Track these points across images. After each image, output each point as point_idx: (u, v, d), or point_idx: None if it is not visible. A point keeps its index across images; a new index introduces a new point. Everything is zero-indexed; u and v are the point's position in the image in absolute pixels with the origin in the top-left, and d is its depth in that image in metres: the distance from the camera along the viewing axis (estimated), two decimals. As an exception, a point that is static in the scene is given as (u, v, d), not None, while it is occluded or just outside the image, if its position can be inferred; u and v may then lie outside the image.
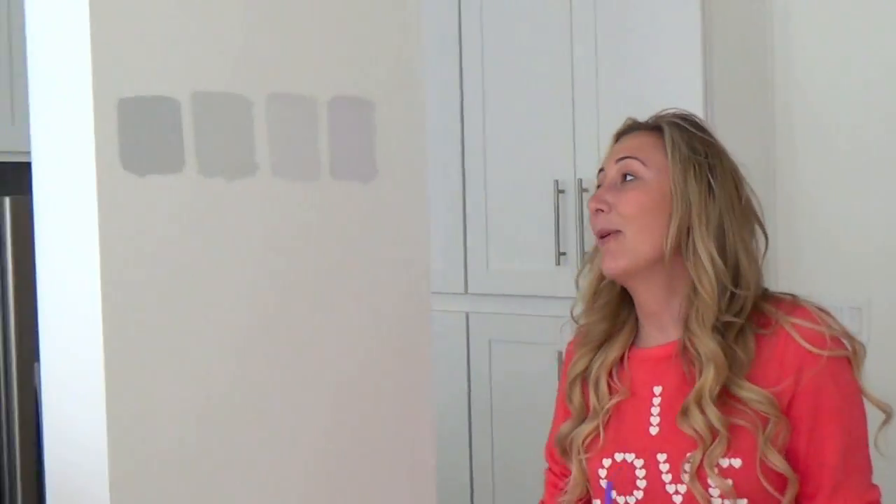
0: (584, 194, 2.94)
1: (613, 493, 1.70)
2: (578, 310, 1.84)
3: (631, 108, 1.91)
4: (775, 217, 2.97)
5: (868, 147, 2.87)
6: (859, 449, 1.66)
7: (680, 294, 1.70)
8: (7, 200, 2.81)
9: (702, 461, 1.61)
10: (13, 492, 2.84)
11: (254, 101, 1.78)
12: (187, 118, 1.70)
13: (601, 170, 1.79)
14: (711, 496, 1.62)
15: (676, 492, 1.65)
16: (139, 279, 1.67)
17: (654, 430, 1.69)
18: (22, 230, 2.77)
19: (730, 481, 1.60)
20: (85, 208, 1.64)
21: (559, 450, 1.82)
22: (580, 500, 1.80)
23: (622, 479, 1.70)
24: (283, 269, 1.83)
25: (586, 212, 1.79)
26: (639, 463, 1.69)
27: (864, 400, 1.69)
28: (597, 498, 1.75)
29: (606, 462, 1.73)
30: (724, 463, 1.61)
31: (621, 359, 1.77)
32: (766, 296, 1.71)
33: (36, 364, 1.84)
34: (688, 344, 1.66)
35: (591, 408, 1.77)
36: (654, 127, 1.77)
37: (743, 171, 1.78)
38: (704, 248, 1.66)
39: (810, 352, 1.62)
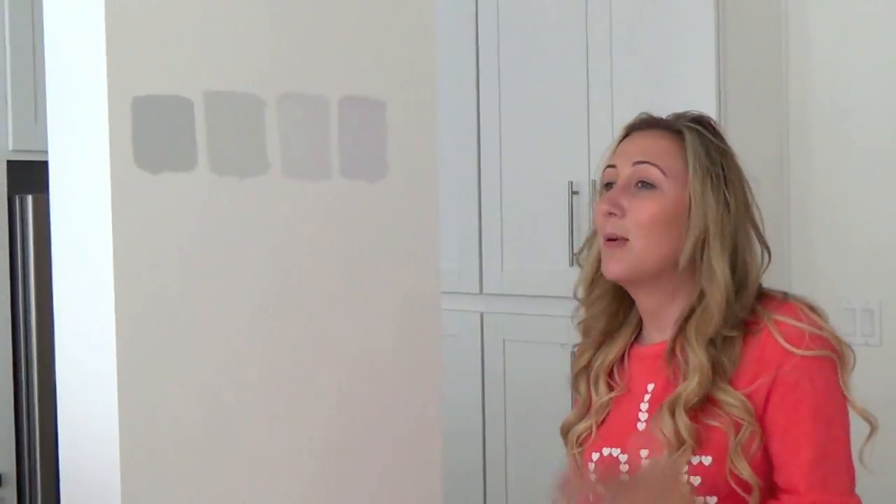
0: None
1: None
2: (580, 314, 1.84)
3: (645, 110, 1.85)
4: (789, 218, 2.97)
5: (883, 148, 2.86)
6: (837, 452, 1.61)
7: (681, 300, 1.69)
8: (29, 199, 2.84)
9: None
10: (33, 487, 2.87)
11: (266, 100, 1.81)
12: (200, 117, 1.73)
13: (611, 166, 1.74)
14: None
15: None
16: (152, 275, 1.70)
17: (640, 426, 1.70)
18: (44, 228, 2.79)
19: (697, 479, 1.59)
20: (99, 205, 1.67)
21: (562, 438, 1.82)
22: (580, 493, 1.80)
23: (608, 473, 1.70)
24: (294, 266, 1.85)
25: (596, 206, 1.73)
26: (623, 458, 1.69)
27: (851, 411, 1.65)
28: (589, 491, 1.76)
29: (595, 456, 1.73)
30: (695, 460, 1.60)
31: (623, 356, 1.76)
32: (758, 294, 1.68)
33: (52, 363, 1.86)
34: (676, 349, 1.66)
35: (591, 404, 1.77)
36: (673, 130, 1.72)
37: (749, 176, 1.75)
38: (719, 263, 1.64)
39: (787, 349, 1.60)
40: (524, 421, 3.25)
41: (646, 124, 1.76)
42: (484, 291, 3.31)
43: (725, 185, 1.67)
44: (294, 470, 1.86)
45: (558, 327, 3.13)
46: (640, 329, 1.78)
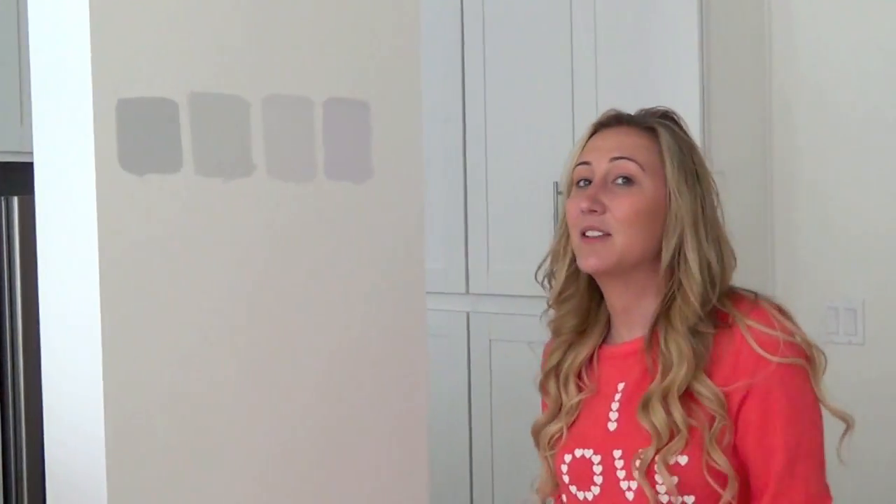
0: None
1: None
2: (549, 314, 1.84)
3: (629, 111, 1.84)
4: (773, 217, 2.99)
5: (868, 148, 2.88)
6: (809, 458, 1.62)
7: (651, 297, 1.70)
8: (15, 200, 2.84)
9: (654, 458, 1.61)
10: (19, 489, 2.87)
11: (250, 102, 1.81)
12: (185, 119, 1.73)
13: (585, 163, 1.73)
14: (658, 492, 1.61)
15: (629, 488, 1.65)
16: (137, 277, 1.70)
17: (612, 426, 1.69)
18: (29, 229, 2.79)
19: (675, 479, 1.60)
20: (84, 207, 1.67)
21: (533, 440, 1.83)
22: (554, 495, 1.81)
23: (580, 474, 1.70)
24: (279, 268, 1.86)
25: (568, 204, 1.74)
26: (596, 459, 1.69)
27: (825, 411, 1.66)
28: (563, 493, 1.76)
29: (567, 458, 1.73)
30: (671, 460, 1.61)
31: (592, 357, 1.76)
32: (728, 291, 1.69)
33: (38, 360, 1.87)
34: (660, 340, 1.66)
35: (562, 405, 1.77)
36: (645, 126, 1.72)
37: (732, 163, 1.76)
38: (695, 256, 1.65)
39: (762, 356, 1.60)
40: (510, 420, 3.26)
41: (615, 121, 1.76)
42: (470, 291, 3.32)
43: (697, 179, 1.69)
44: (280, 470, 1.87)
45: (544, 327, 3.15)
46: (609, 329, 1.78)
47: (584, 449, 1.71)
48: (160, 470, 1.73)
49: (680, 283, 1.66)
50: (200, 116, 1.75)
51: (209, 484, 1.79)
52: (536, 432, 1.81)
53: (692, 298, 1.64)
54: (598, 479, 1.68)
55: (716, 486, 1.60)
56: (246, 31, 1.81)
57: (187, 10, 1.74)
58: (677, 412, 1.61)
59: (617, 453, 1.67)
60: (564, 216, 1.76)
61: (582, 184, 1.73)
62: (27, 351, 2.83)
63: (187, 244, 1.75)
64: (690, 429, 1.61)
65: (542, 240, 3.12)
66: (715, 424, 1.60)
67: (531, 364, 3.14)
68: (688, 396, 1.62)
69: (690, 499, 1.61)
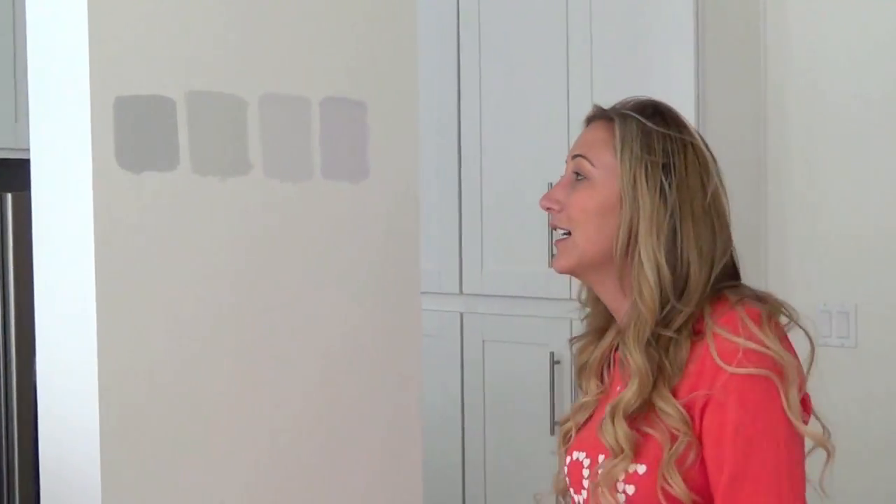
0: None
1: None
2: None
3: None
4: (766, 220, 3.00)
5: (861, 152, 2.89)
6: (761, 478, 1.49)
7: (631, 296, 1.62)
8: (9, 196, 2.84)
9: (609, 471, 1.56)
10: (11, 487, 2.87)
11: (248, 101, 1.81)
12: (182, 117, 1.74)
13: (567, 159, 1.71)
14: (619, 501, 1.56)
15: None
16: (133, 274, 1.70)
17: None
18: (23, 226, 2.80)
19: (632, 487, 1.54)
20: (81, 204, 1.68)
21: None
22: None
23: (574, 477, 1.67)
24: (275, 267, 1.86)
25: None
26: (586, 462, 1.65)
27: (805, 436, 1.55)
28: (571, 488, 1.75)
29: (568, 459, 1.70)
30: (631, 468, 1.54)
31: (610, 358, 1.72)
32: (717, 294, 1.59)
33: (35, 359, 1.87)
34: (622, 351, 1.61)
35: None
36: (608, 118, 1.66)
37: (726, 164, 1.67)
38: (649, 257, 1.57)
39: (719, 365, 1.51)
40: (504, 421, 3.26)
41: (594, 115, 1.71)
42: (464, 292, 3.32)
43: (665, 173, 1.59)
44: (274, 468, 1.87)
45: (538, 328, 3.17)
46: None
47: (579, 451, 1.68)
48: (154, 467, 1.73)
49: (639, 287, 1.58)
50: (197, 115, 1.75)
51: (203, 482, 1.79)
52: (561, 424, 1.78)
53: (643, 306, 1.57)
54: (587, 483, 1.63)
55: None
56: (243, 31, 1.81)
57: (185, 9, 1.75)
58: (621, 430, 1.54)
59: (601, 458, 1.61)
60: None
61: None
62: (21, 348, 2.83)
63: (183, 242, 1.75)
64: (652, 440, 1.54)
65: (535, 241, 3.15)
66: (677, 443, 1.51)
67: (525, 365, 3.17)
68: (652, 409, 1.55)
69: None
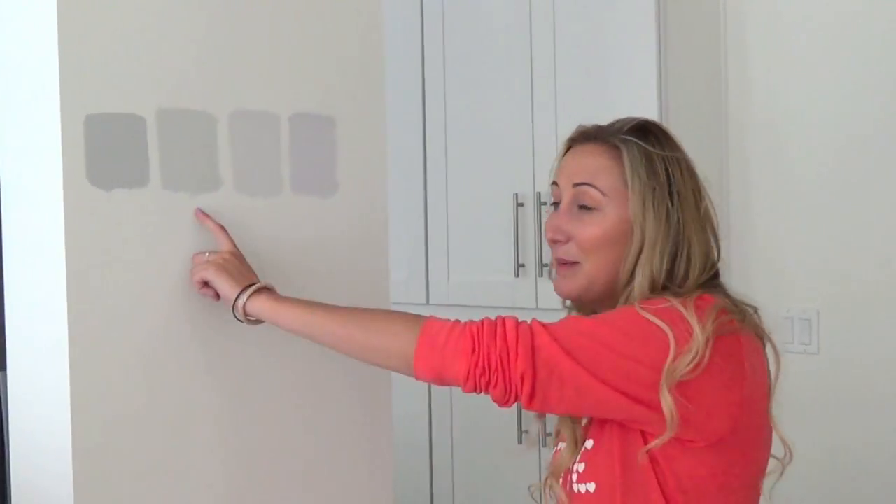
0: (543, 207, 3.00)
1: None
2: None
3: (589, 123, 1.82)
4: (729, 228, 3.04)
5: (820, 160, 2.94)
6: (590, 328, 1.56)
7: None
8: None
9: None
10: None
11: (217, 117, 1.82)
12: (152, 134, 1.74)
13: (555, 183, 1.72)
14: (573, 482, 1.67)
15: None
16: (105, 291, 1.70)
17: (584, 421, 1.72)
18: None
19: (582, 465, 1.64)
20: (52, 221, 1.68)
21: None
22: None
23: (556, 466, 1.74)
24: (246, 281, 1.87)
25: (545, 225, 1.74)
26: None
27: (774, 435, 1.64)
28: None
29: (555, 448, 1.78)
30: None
31: None
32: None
33: (2, 373, 1.86)
34: None
35: None
36: (611, 144, 1.67)
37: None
38: (645, 275, 1.62)
39: None
40: (471, 433, 3.28)
41: (584, 137, 1.72)
42: (430, 302, 3.35)
43: (670, 195, 1.64)
44: (248, 481, 1.88)
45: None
46: None
47: (563, 442, 1.76)
48: (129, 487, 1.73)
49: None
50: (167, 132, 1.76)
51: (178, 499, 1.79)
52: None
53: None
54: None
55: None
56: (213, 48, 1.82)
57: (155, 28, 1.75)
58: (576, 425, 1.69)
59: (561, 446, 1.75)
60: None
61: (551, 205, 1.74)
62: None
63: (155, 258, 1.76)
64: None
65: (502, 251, 3.18)
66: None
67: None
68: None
69: (592, 486, 1.62)
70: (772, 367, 1.67)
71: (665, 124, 2.86)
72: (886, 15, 2.83)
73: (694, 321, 1.53)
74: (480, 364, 1.54)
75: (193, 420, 1.81)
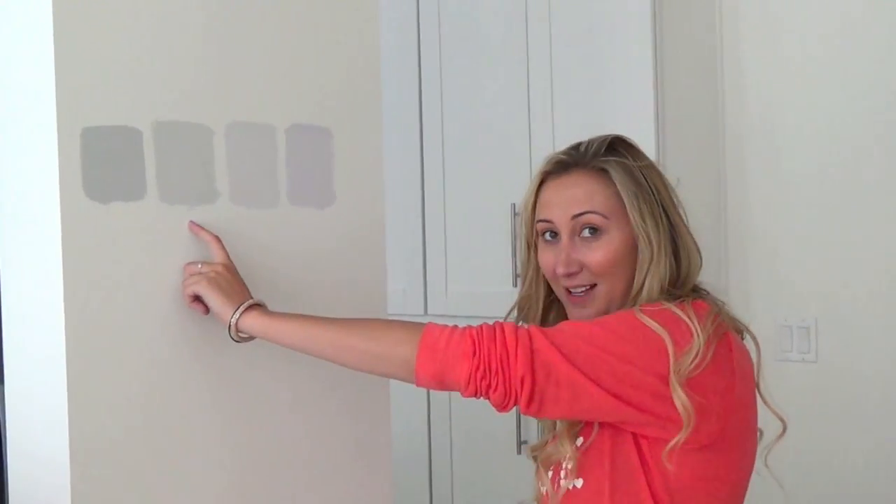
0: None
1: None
2: None
3: (585, 135, 1.86)
4: (727, 237, 3.04)
5: (818, 169, 2.94)
6: (590, 330, 1.60)
7: None
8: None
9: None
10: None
11: (214, 129, 1.83)
12: (149, 147, 1.75)
13: (546, 220, 1.74)
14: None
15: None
16: (102, 304, 1.70)
17: None
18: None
19: (572, 462, 1.66)
20: (49, 235, 1.68)
21: None
22: None
23: (546, 459, 1.76)
24: (243, 293, 1.87)
25: (545, 263, 1.76)
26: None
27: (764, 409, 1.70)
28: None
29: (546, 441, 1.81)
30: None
31: None
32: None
33: (3, 390, 1.86)
34: None
35: None
36: (596, 168, 1.72)
37: (687, 182, 1.81)
38: (655, 280, 1.68)
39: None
40: (470, 443, 3.28)
41: (563, 168, 1.75)
42: (428, 312, 3.35)
43: (658, 202, 1.71)
44: (246, 493, 1.88)
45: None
46: None
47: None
48: (126, 497, 1.73)
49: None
50: (164, 144, 1.76)
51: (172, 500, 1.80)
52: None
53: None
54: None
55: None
56: (209, 60, 1.83)
57: (151, 40, 1.76)
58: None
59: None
60: (537, 265, 1.79)
61: (549, 236, 1.75)
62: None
63: (152, 271, 1.76)
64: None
65: (499, 261, 3.18)
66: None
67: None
68: None
69: (580, 482, 1.65)
70: (753, 356, 1.72)
71: (660, 137, 2.92)
72: (883, 22, 2.84)
73: (694, 323, 1.58)
74: (481, 367, 1.55)
75: (191, 431, 1.81)
